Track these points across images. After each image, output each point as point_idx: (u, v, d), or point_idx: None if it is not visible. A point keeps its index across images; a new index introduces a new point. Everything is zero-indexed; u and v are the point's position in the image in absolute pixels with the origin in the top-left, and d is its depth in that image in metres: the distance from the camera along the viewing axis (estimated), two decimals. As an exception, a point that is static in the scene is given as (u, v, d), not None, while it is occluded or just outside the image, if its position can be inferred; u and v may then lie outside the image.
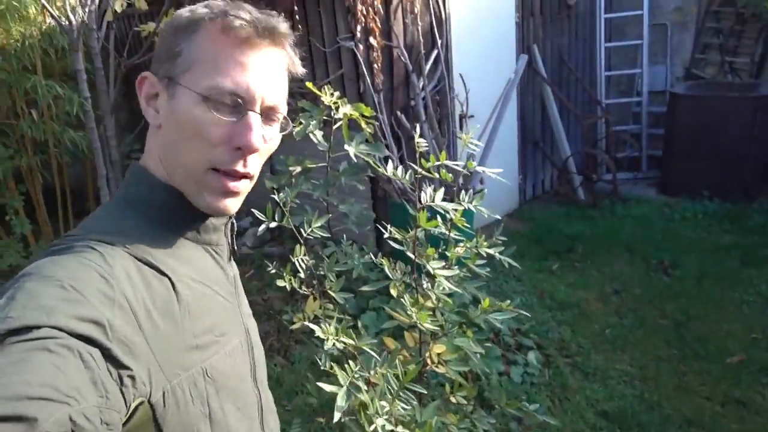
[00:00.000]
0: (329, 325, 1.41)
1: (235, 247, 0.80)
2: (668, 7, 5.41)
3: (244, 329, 0.76)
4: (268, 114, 0.67)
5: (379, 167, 1.71)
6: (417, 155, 1.57)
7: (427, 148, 1.63)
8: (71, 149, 3.54)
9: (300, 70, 0.73)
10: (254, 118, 0.64)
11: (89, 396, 0.47)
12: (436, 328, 1.55)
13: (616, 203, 4.79)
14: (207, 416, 0.64)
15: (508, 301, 1.52)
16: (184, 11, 0.66)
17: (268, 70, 0.66)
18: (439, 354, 1.70)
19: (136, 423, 0.55)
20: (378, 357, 1.38)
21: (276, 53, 0.67)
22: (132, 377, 0.53)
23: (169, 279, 0.62)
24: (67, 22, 2.86)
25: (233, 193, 0.67)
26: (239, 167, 0.65)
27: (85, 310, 0.51)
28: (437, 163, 1.56)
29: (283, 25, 0.67)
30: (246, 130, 0.64)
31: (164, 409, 0.58)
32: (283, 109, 0.70)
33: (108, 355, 0.51)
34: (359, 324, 2.79)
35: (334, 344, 1.35)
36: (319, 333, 1.35)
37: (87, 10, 2.91)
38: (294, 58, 0.71)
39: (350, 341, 1.38)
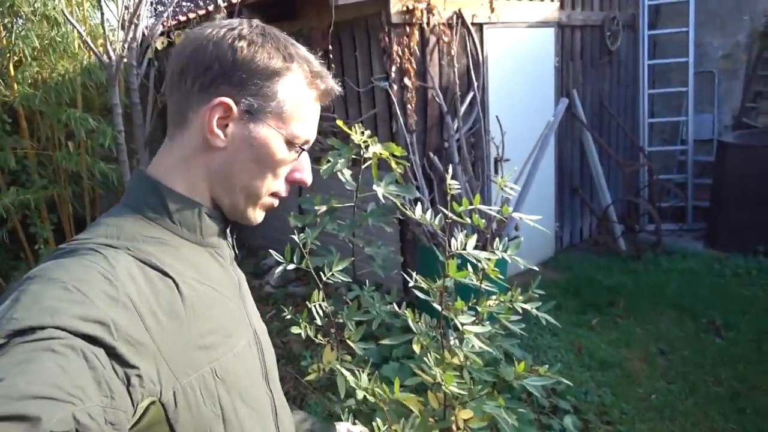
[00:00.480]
0: (362, 372, 1.26)
1: (236, 251, 0.81)
2: (715, 55, 5.24)
3: (252, 331, 0.77)
4: None
5: (407, 209, 1.59)
6: (448, 198, 1.45)
7: (459, 191, 1.50)
8: (103, 181, 3.57)
9: None
10: (306, 156, 0.76)
11: (93, 395, 0.47)
12: (463, 392, 1.38)
13: (660, 256, 4.52)
14: (220, 417, 0.64)
15: (546, 366, 1.35)
16: (272, 48, 0.69)
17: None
18: (465, 420, 1.52)
19: (147, 423, 0.55)
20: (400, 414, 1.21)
21: None
22: (139, 376, 0.53)
23: (173, 280, 0.62)
24: (107, 58, 2.91)
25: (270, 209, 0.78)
26: (286, 193, 0.76)
27: (89, 311, 0.51)
28: (470, 207, 1.43)
29: (339, 89, 0.78)
30: (304, 168, 0.76)
31: (176, 409, 0.58)
32: None
33: (113, 354, 0.51)
34: (379, 376, 2.60)
35: (364, 396, 1.20)
36: (350, 381, 1.19)
37: (127, 47, 2.96)
38: None
39: (384, 393, 1.22)
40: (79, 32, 2.91)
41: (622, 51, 5.09)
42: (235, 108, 0.67)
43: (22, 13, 2.97)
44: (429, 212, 1.48)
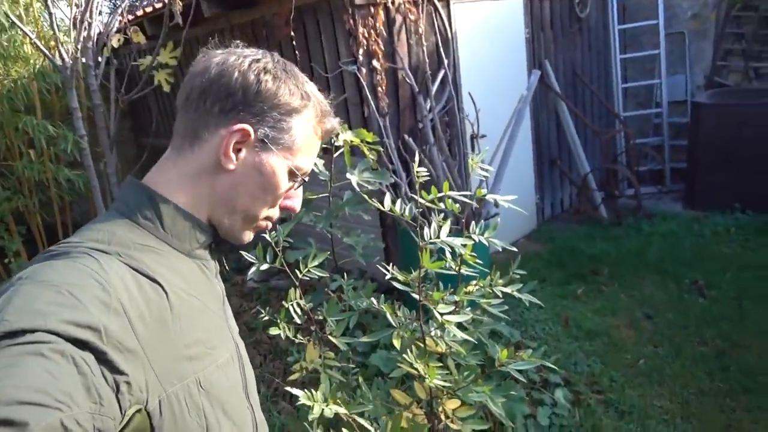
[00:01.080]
0: (317, 388, 1.22)
1: (225, 265, 0.84)
2: (685, 15, 5.22)
3: (234, 344, 0.77)
4: None
5: (373, 201, 1.54)
6: (417, 186, 1.40)
7: (428, 178, 1.46)
8: (70, 188, 3.46)
9: None
10: (301, 187, 0.80)
11: (82, 402, 0.47)
12: (447, 383, 1.35)
13: (641, 220, 4.54)
14: (204, 427, 0.64)
15: (530, 350, 1.32)
16: (293, 85, 0.74)
17: None
18: (453, 409, 1.50)
19: (132, 430, 0.55)
20: (371, 427, 1.18)
21: None
22: (128, 383, 0.53)
23: (163, 288, 0.63)
24: (60, 60, 2.79)
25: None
26: (276, 218, 0.80)
27: (80, 315, 0.51)
28: (440, 194, 1.39)
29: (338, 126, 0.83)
30: (298, 197, 0.80)
31: (161, 418, 0.58)
32: None
33: (103, 360, 0.50)
34: (366, 369, 2.58)
35: (322, 411, 1.17)
36: (303, 399, 1.16)
37: (80, 47, 2.83)
38: None
39: (341, 409, 1.19)
40: (26, 34, 2.77)
41: (591, 17, 5.04)
42: (252, 135, 0.71)
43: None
44: (399, 202, 1.43)
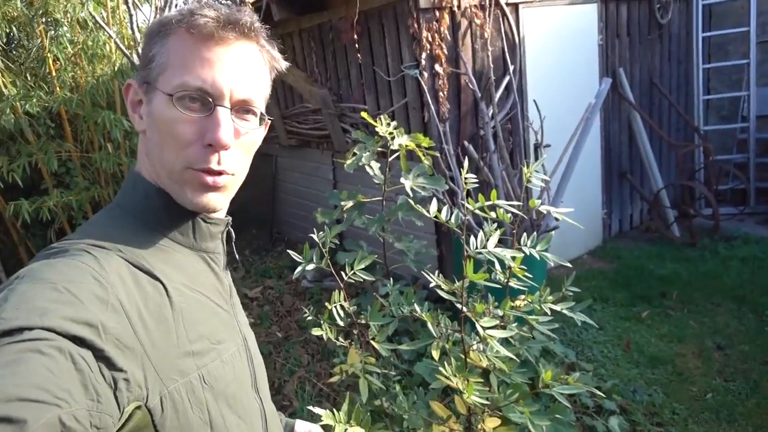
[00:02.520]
0: (357, 392, 1.20)
1: (236, 255, 0.79)
2: (780, 22, 4.81)
3: (242, 338, 0.75)
4: (240, 108, 0.67)
5: (419, 207, 1.50)
6: (464, 193, 1.35)
7: (477, 185, 1.40)
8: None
9: (282, 64, 0.74)
10: (222, 112, 0.64)
11: (80, 398, 0.46)
12: (485, 401, 1.29)
13: (719, 242, 4.22)
14: (207, 423, 0.63)
15: (577, 374, 1.24)
16: (156, 19, 0.68)
17: (238, 63, 0.66)
18: (494, 428, 1.43)
19: (133, 427, 0.54)
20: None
21: (247, 47, 0.67)
22: (126, 380, 0.52)
23: (163, 284, 0.62)
24: (137, 59, 2.95)
25: (214, 188, 0.66)
26: (213, 164, 0.65)
27: (78, 312, 0.50)
28: (488, 203, 1.33)
29: (248, 18, 0.66)
30: (214, 125, 0.63)
31: (162, 415, 0.57)
32: (259, 103, 0.69)
33: (101, 357, 0.50)
34: (410, 377, 2.52)
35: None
36: (325, 419, 1.14)
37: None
38: (273, 52, 0.72)
39: (361, 430, 1.15)
40: (109, 35, 2.95)
41: (673, 24, 4.75)
42: (135, 85, 0.67)
43: (55, 18, 3.06)
44: (445, 209, 1.39)
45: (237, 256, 0.80)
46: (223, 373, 0.67)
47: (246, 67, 0.67)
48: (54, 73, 3.39)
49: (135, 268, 0.60)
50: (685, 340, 3.07)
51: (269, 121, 0.74)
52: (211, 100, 0.63)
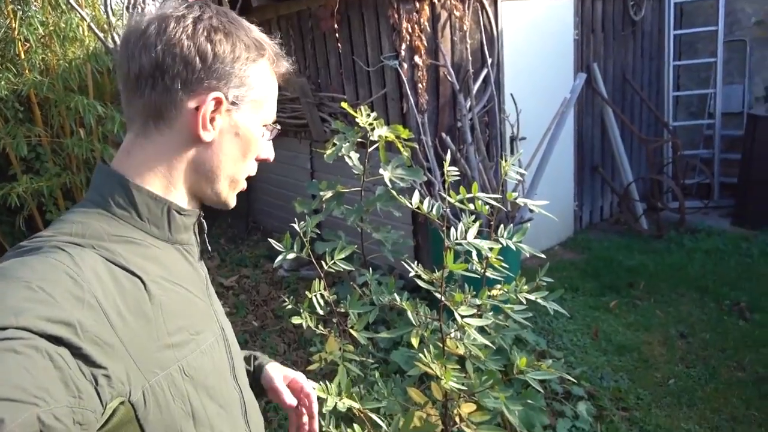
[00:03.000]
0: (333, 380, 1.23)
1: (208, 246, 0.81)
2: (748, 22, 4.97)
3: (219, 327, 0.76)
4: None
5: (401, 198, 1.53)
6: (446, 186, 1.38)
7: (458, 177, 1.44)
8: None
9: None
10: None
11: (60, 396, 0.46)
12: (462, 387, 1.34)
13: (684, 235, 4.37)
14: (190, 414, 0.64)
15: (550, 361, 1.29)
16: (245, 36, 0.71)
17: None
18: (469, 413, 1.48)
19: (117, 423, 0.55)
20: (383, 424, 1.18)
21: None
22: (107, 376, 0.52)
23: (140, 279, 0.62)
24: (112, 44, 2.89)
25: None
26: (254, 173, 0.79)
27: (53, 311, 0.50)
28: (468, 195, 1.36)
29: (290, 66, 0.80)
30: (271, 148, 0.80)
31: (145, 409, 0.58)
32: None
33: (79, 355, 0.50)
34: (387, 366, 2.57)
35: (335, 405, 1.17)
36: (317, 391, 1.17)
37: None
38: None
39: (354, 404, 1.19)
40: (82, 17, 2.88)
41: (646, 21, 4.86)
42: (224, 101, 0.69)
43: (27, -1, 2.97)
44: (427, 200, 1.42)
45: (209, 247, 0.81)
46: (202, 363, 0.68)
47: None
48: (23, 55, 3.29)
49: (111, 264, 0.60)
50: (650, 328, 3.20)
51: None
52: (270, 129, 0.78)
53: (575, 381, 2.04)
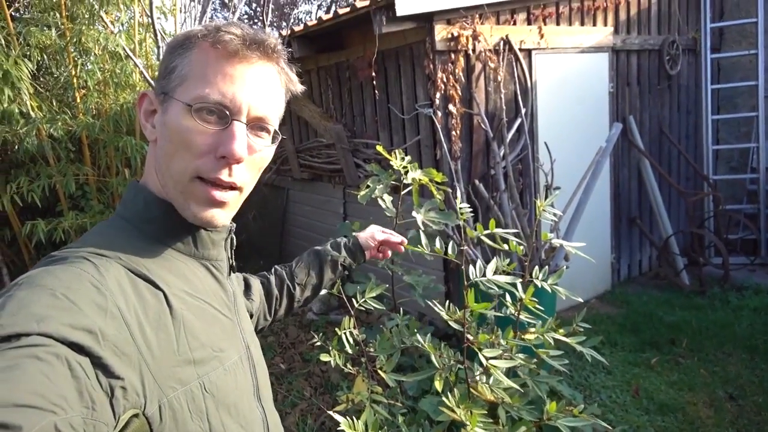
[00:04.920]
0: (361, 417, 1.19)
1: (233, 263, 0.79)
2: (787, 77, 4.90)
3: (245, 346, 0.75)
4: (255, 125, 0.68)
5: (420, 245, 1.52)
6: (461, 224, 1.37)
7: (472, 215, 1.43)
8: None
9: (298, 87, 0.76)
10: (239, 127, 0.65)
11: (75, 405, 0.46)
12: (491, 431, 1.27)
13: (729, 291, 4.17)
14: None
15: (582, 406, 1.22)
16: (181, 32, 0.71)
17: (257, 82, 0.67)
18: (499, 463, 1.40)
19: None
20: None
21: (267, 67, 0.70)
22: (123, 388, 0.52)
23: (163, 292, 0.62)
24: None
25: (219, 203, 0.67)
26: (224, 176, 0.65)
27: (76, 319, 0.50)
28: (486, 232, 1.34)
29: (272, 40, 0.69)
30: (230, 138, 0.64)
31: (161, 423, 0.57)
32: (273, 122, 0.71)
33: (99, 364, 0.50)
34: (415, 414, 2.48)
35: None
36: (344, 426, 1.13)
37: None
38: (291, 75, 0.74)
39: None
40: (136, 64, 3.07)
41: (682, 75, 4.86)
42: (151, 95, 0.69)
43: (88, 48, 3.19)
44: (451, 243, 1.41)
45: (234, 263, 0.80)
46: (224, 381, 0.66)
47: (265, 87, 0.68)
48: (79, 100, 3.51)
49: (135, 276, 0.60)
50: (695, 388, 3.01)
51: (280, 139, 0.74)
52: (228, 114, 0.64)
53: (611, 428, 1.91)
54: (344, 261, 1.21)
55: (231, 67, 0.65)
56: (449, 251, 1.33)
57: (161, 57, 0.73)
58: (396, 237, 1.26)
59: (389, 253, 1.28)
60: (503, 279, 1.22)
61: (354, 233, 1.26)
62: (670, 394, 2.96)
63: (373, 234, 1.26)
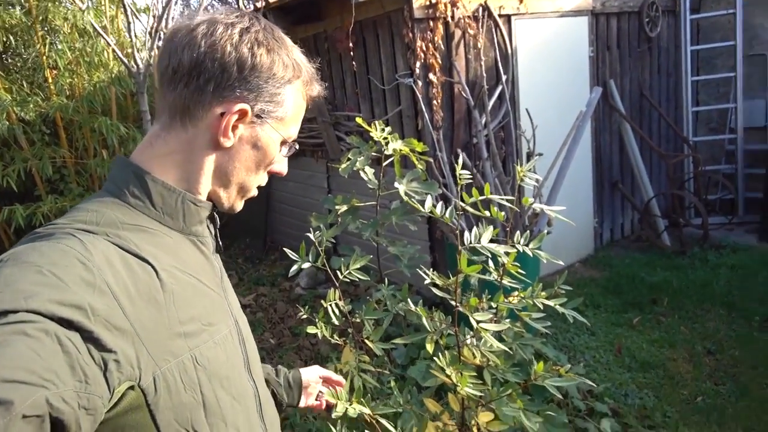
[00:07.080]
0: (342, 388, 1.22)
1: (219, 241, 0.82)
2: (766, 36, 4.93)
3: (233, 320, 0.77)
4: None
5: (413, 202, 1.53)
6: (458, 189, 1.38)
7: (470, 181, 1.43)
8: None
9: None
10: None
11: (67, 380, 0.46)
12: (480, 393, 1.31)
13: (708, 251, 4.27)
14: (201, 403, 0.64)
15: (568, 366, 1.26)
16: (285, 56, 0.73)
17: None
18: (487, 423, 1.45)
19: (125, 407, 0.55)
20: (395, 431, 1.16)
21: None
22: (117, 361, 0.52)
23: (152, 266, 0.62)
24: (134, 67, 2.98)
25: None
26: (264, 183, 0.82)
27: (64, 295, 0.50)
28: (481, 197, 1.36)
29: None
30: (285, 163, 0.81)
31: (156, 395, 0.58)
32: None
33: (90, 338, 0.50)
34: (404, 382, 2.54)
35: (345, 410, 1.16)
36: (327, 396, 1.16)
37: (153, 54, 3.02)
38: None
39: (365, 409, 1.17)
40: (107, 42, 2.98)
41: (662, 37, 4.86)
42: (250, 113, 0.71)
43: (56, 26, 3.09)
44: (440, 205, 1.42)
45: (220, 241, 0.82)
46: (215, 354, 0.68)
47: None
48: (51, 80, 3.42)
49: (123, 251, 0.60)
50: (675, 345, 3.11)
51: None
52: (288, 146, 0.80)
53: (598, 394, 1.98)
54: (279, 396, 1.13)
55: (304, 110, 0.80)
56: (443, 213, 1.34)
57: (265, 69, 0.71)
58: (336, 377, 1.28)
59: (324, 402, 1.22)
60: (500, 248, 1.24)
61: (300, 369, 1.20)
62: (652, 352, 3.05)
63: (312, 370, 1.24)
